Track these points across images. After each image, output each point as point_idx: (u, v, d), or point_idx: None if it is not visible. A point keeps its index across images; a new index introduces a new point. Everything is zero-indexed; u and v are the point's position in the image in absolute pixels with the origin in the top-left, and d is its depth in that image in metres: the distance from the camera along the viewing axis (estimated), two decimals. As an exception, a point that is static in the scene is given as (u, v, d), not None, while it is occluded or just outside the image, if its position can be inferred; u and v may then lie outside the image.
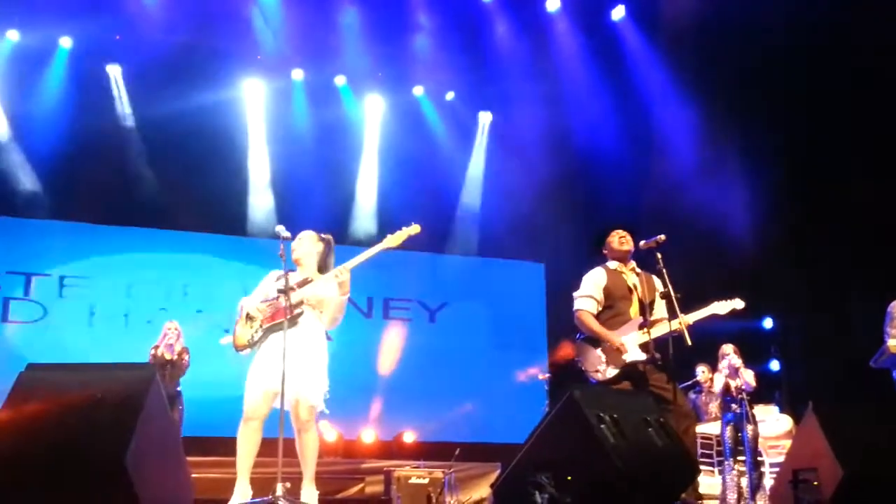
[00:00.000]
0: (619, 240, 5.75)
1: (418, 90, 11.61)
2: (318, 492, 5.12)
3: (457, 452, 9.08)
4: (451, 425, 10.86)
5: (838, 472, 4.65)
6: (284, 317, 5.00)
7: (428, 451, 9.96)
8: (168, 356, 8.34)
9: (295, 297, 5.12)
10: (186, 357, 8.47)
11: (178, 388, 8.35)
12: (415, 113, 11.62)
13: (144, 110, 10.42)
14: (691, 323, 5.43)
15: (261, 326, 5.12)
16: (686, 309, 5.45)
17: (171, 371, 8.31)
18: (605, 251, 5.84)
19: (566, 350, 10.22)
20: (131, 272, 10.44)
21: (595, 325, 5.58)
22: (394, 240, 5.37)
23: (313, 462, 5.08)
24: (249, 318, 5.16)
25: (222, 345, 5.35)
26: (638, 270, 5.75)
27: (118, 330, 10.23)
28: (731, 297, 5.69)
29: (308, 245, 5.43)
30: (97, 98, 10.27)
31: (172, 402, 8.26)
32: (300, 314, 5.10)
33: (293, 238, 5.33)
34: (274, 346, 5.01)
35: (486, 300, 11.85)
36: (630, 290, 5.65)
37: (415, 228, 5.44)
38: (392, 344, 11.21)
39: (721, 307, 5.66)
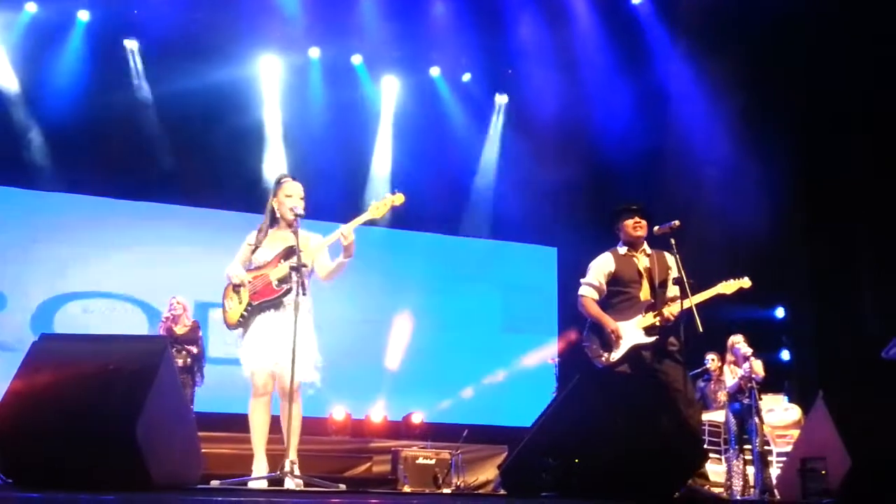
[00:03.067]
0: (634, 225, 5.73)
1: (435, 71, 11.57)
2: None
3: (464, 434, 9.14)
4: (460, 407, 10.90)
5: (847, 462, 4.65)
6: (272, 294, 5.04)
7: (436, 432, 10.00)
8: (178, 331, 8.38)
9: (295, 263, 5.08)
10: (199, 332, 8.50)
11: (188, 363, 8.37)
12: (431, 94, 11.59)
13: (161, 85, 10.42)
14: (699, 301, 5.45)
15: (249, 303, 5.10)
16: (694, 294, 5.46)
17: (181, 346, 8.36)
18: (618, 231, 5.83)
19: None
20: (144, 247, 10.45)
21: (595, 310, 5.61)
22: (377, 210, 5.29)
23: (297, 435, 5.05)
24: (235, 290, 5.14)
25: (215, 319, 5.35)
26: (649, 251, 5.75)
27: (128, 304, 10.26)
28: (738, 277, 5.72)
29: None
30: (114, 72, 10.28)
31: (183, 377, 8.31)
32: (289, 290, 5.04)
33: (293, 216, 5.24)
34: (270, 324, 5.06)
35: (497, 283, 11.85)
36: (640, 274, 5.66)
37: (399, 198, 5.36)
38: (402, 325, 11.23)
39: (728, 287, 5.69)
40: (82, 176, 10.17)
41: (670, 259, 5.65)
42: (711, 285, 5.70)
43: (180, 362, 8.30)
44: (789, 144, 10.59)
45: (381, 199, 5.36)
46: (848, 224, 10.18)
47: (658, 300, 5.57)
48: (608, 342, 5.51)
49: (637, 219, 5.73)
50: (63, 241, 10.17)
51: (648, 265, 5.68)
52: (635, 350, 5.47)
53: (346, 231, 5.14)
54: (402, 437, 10.01)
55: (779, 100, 10.47)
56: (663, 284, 5.61)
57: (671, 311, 5.47)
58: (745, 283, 5.74)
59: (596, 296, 5.67)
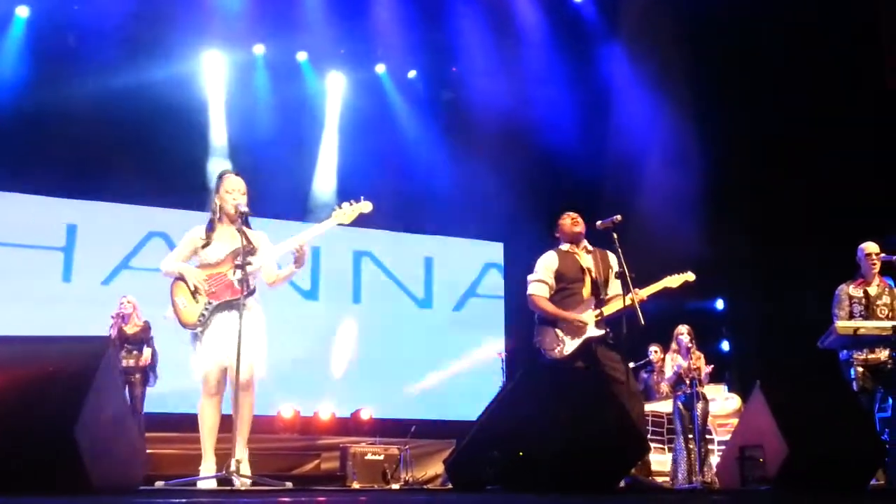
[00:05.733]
0: (571, 222, 5.86)
1: (380, 68, 11.57)
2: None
3: (413, 429, 9.16)
4: (408, 403, 10.91)
5: (783, 450, 4.76)
6: (234, 294, 4.94)
7: (384, 428, 10.01)
8: (129, 330, 8.25)
9: (250, 268, 5.02)
10: (150, 332, 8.35)
11: (141, 363, 8.25)
12: (376, 91, 11.58)
13: (102, 81, 10.22)
14: (645, 298, 5.55)
15: (208, 303, 5.02)
16: (639, 287, 5.56)
17: (132, 346, 8.23)
18: (557, 234, 5.94)
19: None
20: (81, 245, 10.29)
21: (549, 308, 5.67)
22: (345, 216, 5.21)
23: (248, 427, 5.01)
24: (196, 292, 5.04)
25: (166, 318, 5.22)
26: (591, 248, 5.85)
27: (62, 303, 10.06)
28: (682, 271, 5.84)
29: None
30: (55, 69, 10.06)
31: (134, 377, 8.19)
32: (252, 291, 5.01)
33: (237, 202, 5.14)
34: (224, 324, 4.97)
35: (445, 279, 11.89)
36: (583, 271, 5.75)
37: (366, 206, 5.28)
38: (350, 322, 11.21)
39: (673, 280, 5.82)
40: (21, 173, 9.96)
41: (612, 257, 5.76)
42: (655, 279, 5.81)
43: (132, 362, 8.18)
44: (734, 138, 10.76)
45: (348, 205, 5.24)
46: (788, 217, 10.37)
47: (601, 296, 5.67)
48: (563, 335, 5.57)
49: (573, 215, 5.84)
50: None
51: (591, 262, 5.79)
52: (587, 343, 5.54)
53: (303, 242, 5.07)
54: (351, 433, 10.00)
55: (723, 91, 10.63)
56: (606, 281, 5.72)
57: (616, 307, 5.57)
58: (690, 276, 5.88)
59: (547, 293, 5.74)
